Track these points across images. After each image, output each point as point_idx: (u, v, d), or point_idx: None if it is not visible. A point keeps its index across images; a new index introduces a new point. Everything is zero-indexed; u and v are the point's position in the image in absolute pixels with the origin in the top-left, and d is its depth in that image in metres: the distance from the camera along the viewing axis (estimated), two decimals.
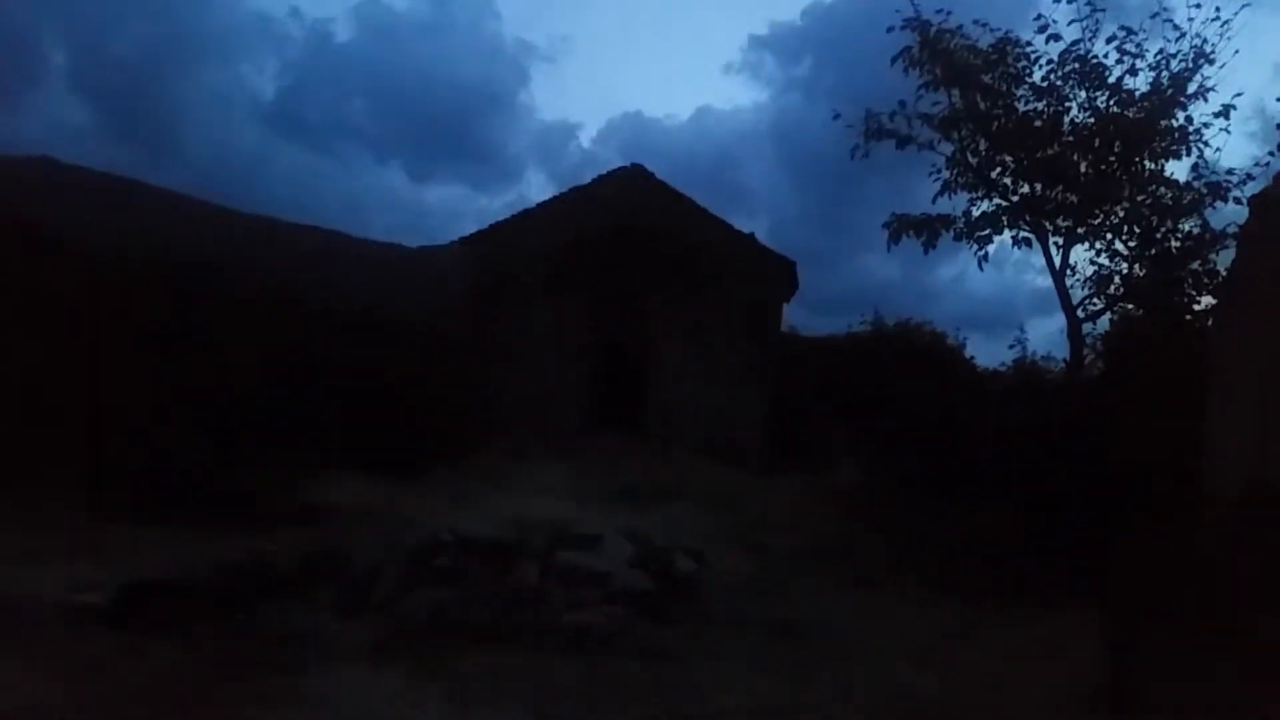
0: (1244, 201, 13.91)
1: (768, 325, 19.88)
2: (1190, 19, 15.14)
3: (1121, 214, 16.06)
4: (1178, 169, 16.07)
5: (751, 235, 20.38)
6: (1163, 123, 15.50)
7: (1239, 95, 15.17)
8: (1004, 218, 16.42)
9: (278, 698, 6.47)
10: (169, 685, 6.60)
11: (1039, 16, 15.77)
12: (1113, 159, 15.74)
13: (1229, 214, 15.24)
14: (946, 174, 16.43)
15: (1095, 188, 15.78)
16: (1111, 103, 15.68)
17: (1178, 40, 15.22)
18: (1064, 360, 16.41)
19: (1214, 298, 14.13)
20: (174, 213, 17.86)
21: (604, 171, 20.81)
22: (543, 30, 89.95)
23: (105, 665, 6.84)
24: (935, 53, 15.78)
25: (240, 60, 66.98)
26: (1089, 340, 16.27)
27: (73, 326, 13.20)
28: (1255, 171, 14.91)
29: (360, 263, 19.70)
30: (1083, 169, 15.92)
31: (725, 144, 63.59)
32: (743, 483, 15.56)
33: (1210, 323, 12.78)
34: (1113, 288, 16.35)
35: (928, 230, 16.23)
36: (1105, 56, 15.60)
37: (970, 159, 16.39)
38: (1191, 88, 15.30)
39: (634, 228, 19.23)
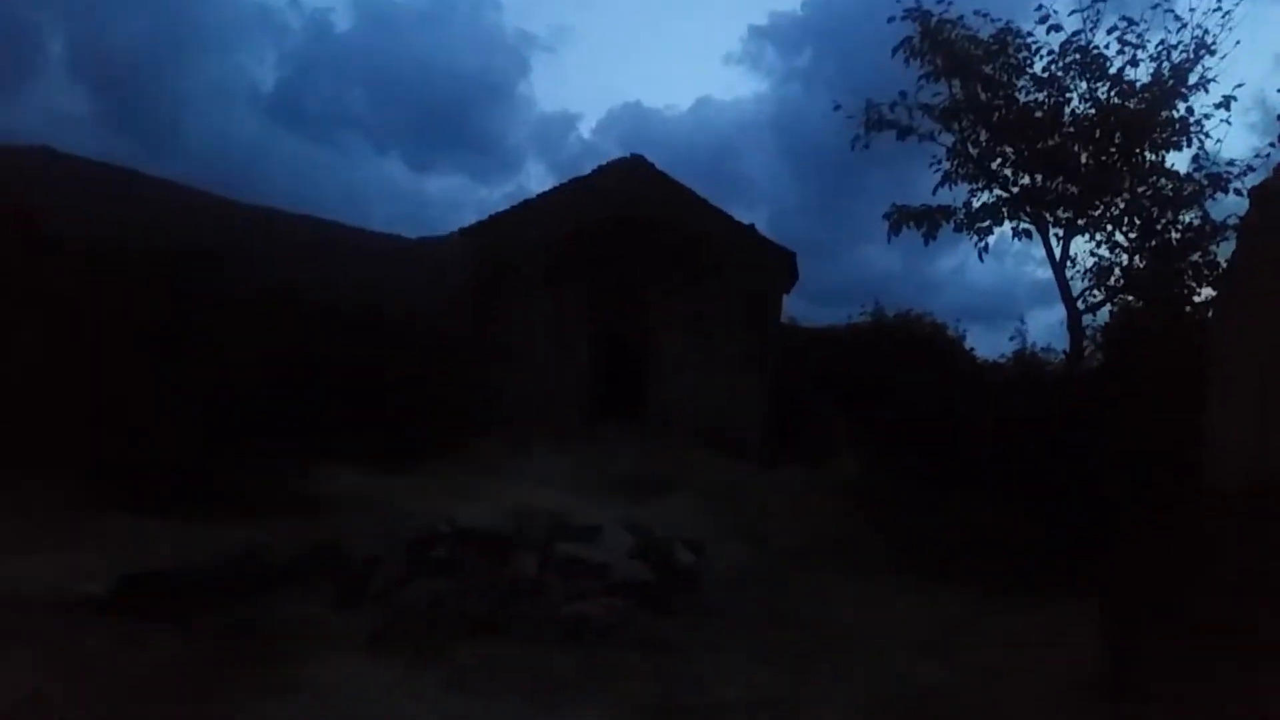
0: (1244, 193, 13.88)
1: (768, 316, 19.86)
2: (1191, 9, 15.17)
3: (1122, 205, 16.06)
4: (1178, 160, 16.10)
5: (751, 226, 20.36)
6: (1163, 114, 15.50)
7: (1240, 86, 15.19)
8: (1004, 209, 16.42)
9: (276, 688, 6.47)
10: (168, 675, 6.60)
11: (1040, 7, 15.78)
12: (1113, 150, 15.74)
13: (1229, 205, 15.28)
14: (947, 165, 16.43)
15: (1096, 179, 15.78)
16: (1112, 93, 15.67)
17: (1179, 31, 15.23)
18: (1064, 352, 16.43)
19: (1214, 289, 14.12)
20: (172, 203, 17.84)
21: (604, 162, 20.78)
22: (542, 20, 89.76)
23: (104, 655, 6.84)
24: (936, 43, 15.76)
25: (239, 50, 66.82)
26: (1089, 332, 16.29)
27: (71, 317, 13.19)
28: (1256, 163, 14.93)
29: (359, 254, 19.68)
30: (1083, 160, 15.92)
31: (725, 135, 63.53)
32: (742, 474, 15.54)
33: (1210, 314, 12.76)
34: (1113, 279, 16.36)
35: (928, 221, 16.23)
36: (1106, 47, 15.62)
37: (971, 150, 16.39)
38: (1192, 79, 15.31)
39: (634, 218, 19.21)
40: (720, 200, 20.74)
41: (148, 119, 53.42)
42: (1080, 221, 16.19)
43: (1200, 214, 15.69)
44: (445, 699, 6.60)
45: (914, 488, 12.79)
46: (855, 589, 10.29)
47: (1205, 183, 15.55)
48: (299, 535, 10.24)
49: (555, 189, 20.67)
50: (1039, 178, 16.21)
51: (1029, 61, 16.00)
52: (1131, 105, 15.49)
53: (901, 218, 16.21)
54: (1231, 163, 15.49)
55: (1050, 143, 15.92)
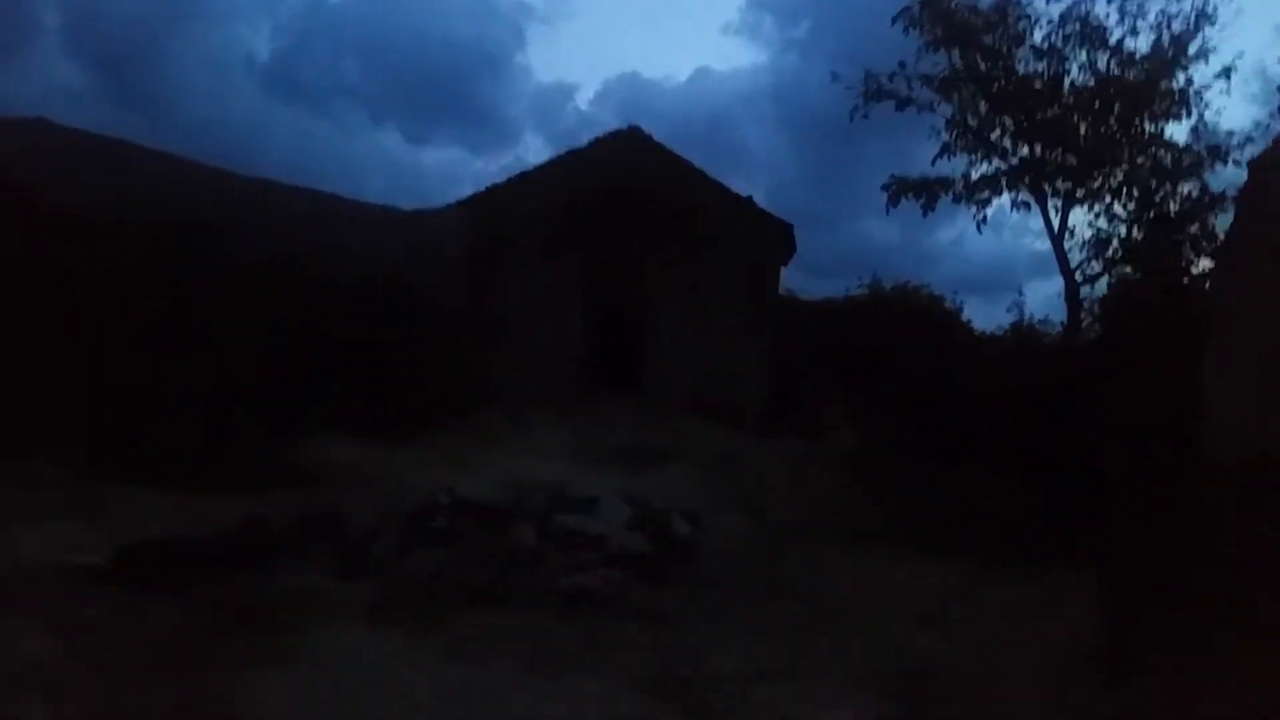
0: (1243, 164, 13.88)
1: (765, 288, 19.82)
2: None
3: (1121, 176, 16.06)
4: (1177, 131, 16.07)
5: (749, 198, 20.28)
6: (1163, 84, 15.47)
7: (1240, 57, 15.16)
8: (1003, 180, 16.43)
9: (276, 658, 6.50)
10: (167, 645, 6.63)
11: None
12: (1113, 121, 15.72)
13: (1228, 176, 15.27)
14: (946, 136, 16.44)
15: (1095, 150, 15.77)
16: (1112, 64, 15.64)
17: (1179, 0, 15.15)
18: (1061, 324, 16.44)
19: (1212, 260, 14.13)
20: (168, 175, 17.72)
21: (601, 134, 20.68)
22: None
23: (104, 626, 6.87)
24: (936, 13, 15.70)
25: (234, 21, 66.26)
26: (1087, 304, 16.29)
27: (67, 289, 13.15)
28: (1255, 134, 14.91)
29: (356, 226, 19.58)
30: (1082, 131, 15.90)
31: (723, 105, 63.07)
32: (740, 446, 15.55)
33: (1209, 286, 12.75)
34: (1111, 250, 16.38)
35: (927, 192, 16.24)
36: (1106, 17, 15.57)
37: (970, 121, 16.37)
38: (1192, 49, 15.29)
39: (631, 190, 19.13)
40: (718, 171, 20.70)
41: (144, 91, 53.10)
42: (1079, 193, 16.19)
43: (1199, 185, 15.71)
44: (444, 669, 6.64)
45: (912, 459, 12.81)
46: (853, 560, 10.31)
47: (1204, 154, 15.55)
48: (298, 506, 10.24)
49: (552, 160, 20.58)
50: (1038, 148, 16.19)
51: (1029, 31, 15.98)
52: (1131, 76, 15.46)
53: (900, 189, 16.22)
54: (1230, 134, 15.52)
55: (1049, 113, 15.90)
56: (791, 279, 21.20)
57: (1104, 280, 16.41)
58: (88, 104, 50.15)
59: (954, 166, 16.46)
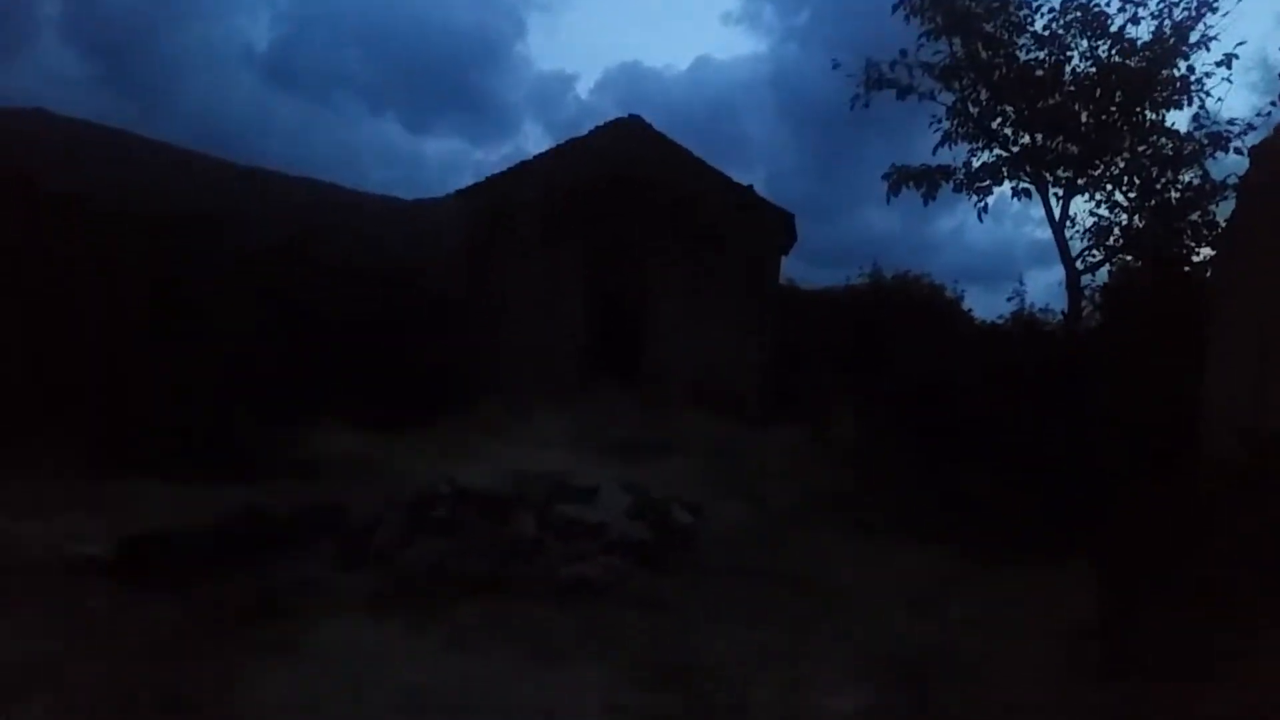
0: (1245, 152, 13.84)
1: (766, 277, 19.81)
2: None
3: (1122, 164, 16.02)
4: (1179, 119, 16.03)
5: (750, 187, 20.26)
6: (1164, 72, 15.41)
7: (1241, 44, 15.10)
8: (1004, 168, 16.38)
9: (277, 648, 6.52)
10: (169, 637, 6.65)
11: None
12: (1114, 109, 15.67)
13: (1230, 164, 15.24)
14: (947, 124, 16.38)
15: (1096, 138, 15.72)
16: (1113, 52, 15.58)
17: None
18: (1062, 312, 16.42)
19: (1214, 249, 14.11)
20: (168, 165, 17.74)
21: (601, 123, 20.64)
22: None
23: (105, 617, 6.89)
24: (936, 1, 15.63)
25: (234, 10, 66.27)
26: (1088, 292, 16.27)
27: (67, 279, 13.15)
28: (1256, 122, 14.89)
29: (355, 215, 19.60)
30: (1084, 119, 15.85)
31: (724, 94, 63.21)
32: (740, 435, 15.58)
33: (1210, 274, 12.75)
34: (1112, 239, 16.35)
35: (928, 181, 16.20)
36: (1107, 4, 15.51)
37: (971, 109, 16.31)
38: (1194, 36, 15.22)
39: (631, 179, 19.12)
40: (718, 161, 20.69)
41: (143, 80, 53.22)
42: (1080, 181, 16.15)
43: (1200, 173, 15.66)
44: (446, 658, 6.65)
45: (912, 449, 12.83)
46: (853, 549, 10.33)
47: (1205, 142, 15.50)
48: (299, 496, 10.26)
49: (552, 150, 20.55)
50: (1039, 137, 16.16)
51: (1030, 19, 15.91)
52: (1132, 63, 15.41)
53: (901, 178, 16.18)
54: (1232, 122, 15.46)
55: (1051, 101, 15.85)
56: (792, 268, 21.21)
57: (1105, 268, 16.41)
58: (87, 93, 50.31)
59: (955, 155, 16.44)
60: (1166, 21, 15.22)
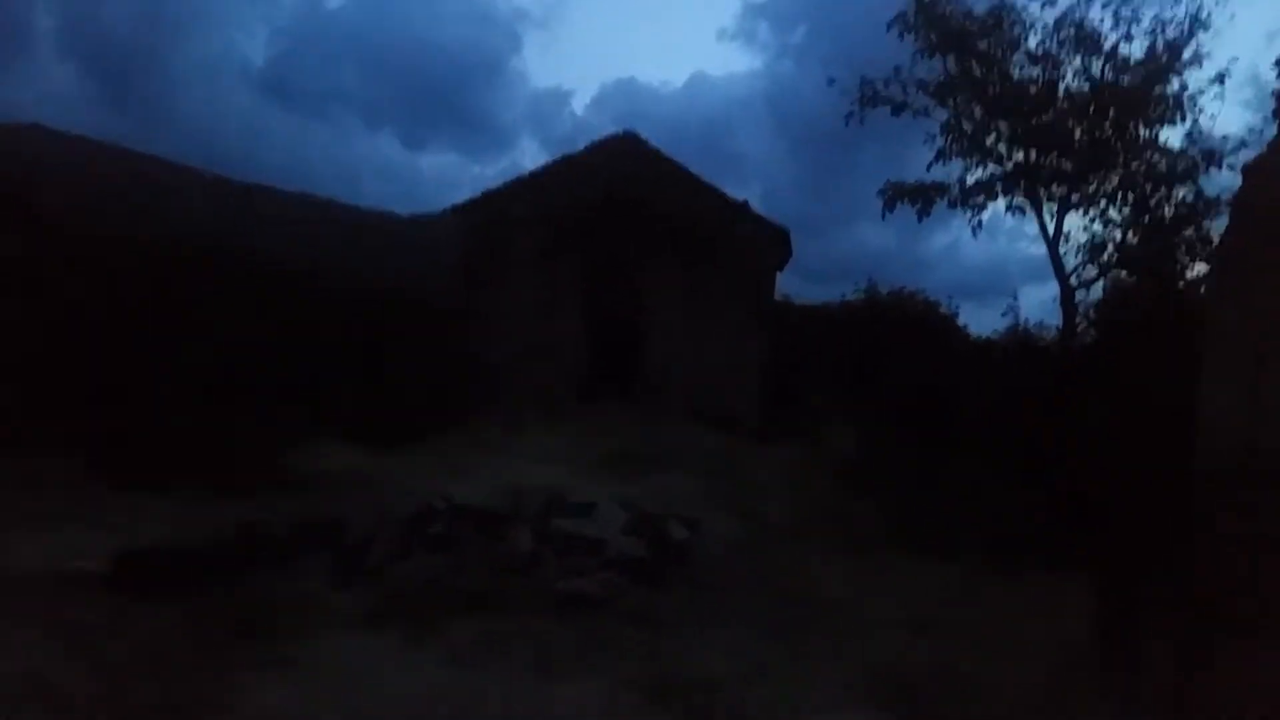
0: (1237, 169, 13.90)
1: (761, 293, 19.83)
2: None
3: (1115, 181, 16.09)
4: (1172, 136, 16.10)
5: (745, 203, 20.29)
6: (1157, 89, 15.51)
7: (1234, 61, 15.22)
8: (998, 185, 16.44)
9: (273, 664, 6.51)
10: (165, 652, 6.63)
11: None
12: (1107, 126, 15.75)
13: (1223, 181, 15.31)
14: (941, 141, 16.45)
15: (1090, 155, 15.79)
16: (1107, 69, 15.68)
17: (1173, 6, 15.22)
18: (1057, 328, 16.47)
19: (1207, 265, 14.16)
20: (165, 180, 17.74)
21: (597, 139, 20.68)
22: None
23: (101, 632, 6.86)
24: (931, 18, 15.73)
25: (231, 26, 66.33)
26: (1082, 308, 16.32)
27: (64, 295, 13.15)
28: (1249, 138, 14.96)
29: (352, 231, 19.60)
30: (1077, 136, 15.93)
31: (719, 111, 63.18)
32: (737, 450, 15.56)
33: (1203, 290, 12.79)
34: (1106, 255, 16.41)
35: (922, 198, 16.27)
36: (1101, 23, 15.60)
37: (965, 126, 16.39)
38: (1186, 54, 15.32)
39: (627, 195, 19.14)
40: (714, 177, 20.66)
41: (140, 96, 53.14)
42: (1074, 197, 16.22)
43: (1193, 189, 15.74)
44: (442, 674, 6.64)
45: (908, 464, 12.84)
46: (850, 564, 10.33)
47: (1199, 158, 15.59)
48: (295, 512, 10.23)
49: (548, 166, 20.56)
50: (1033, 153, 16.22)
51: (1024, 37, 16.01)
52: (1125, 81, 15.50)
53: (896, 194, 16.25)
54: (1225, 139, 15.55)
55: (1044, 119, 15.93)
56: (788, 284, 21.22)
57: (1099, 285, 16.47)
58: (83, 109, 50.23)
59: (949, 172, 16.51)
60: (1159, 39, 15.35)
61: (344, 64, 63.67)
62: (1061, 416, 12.01)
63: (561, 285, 19.33)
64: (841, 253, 44.23)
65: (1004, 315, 17.10)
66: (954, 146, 16.39)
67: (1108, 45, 15.56)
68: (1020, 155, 16.30)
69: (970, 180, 16.53)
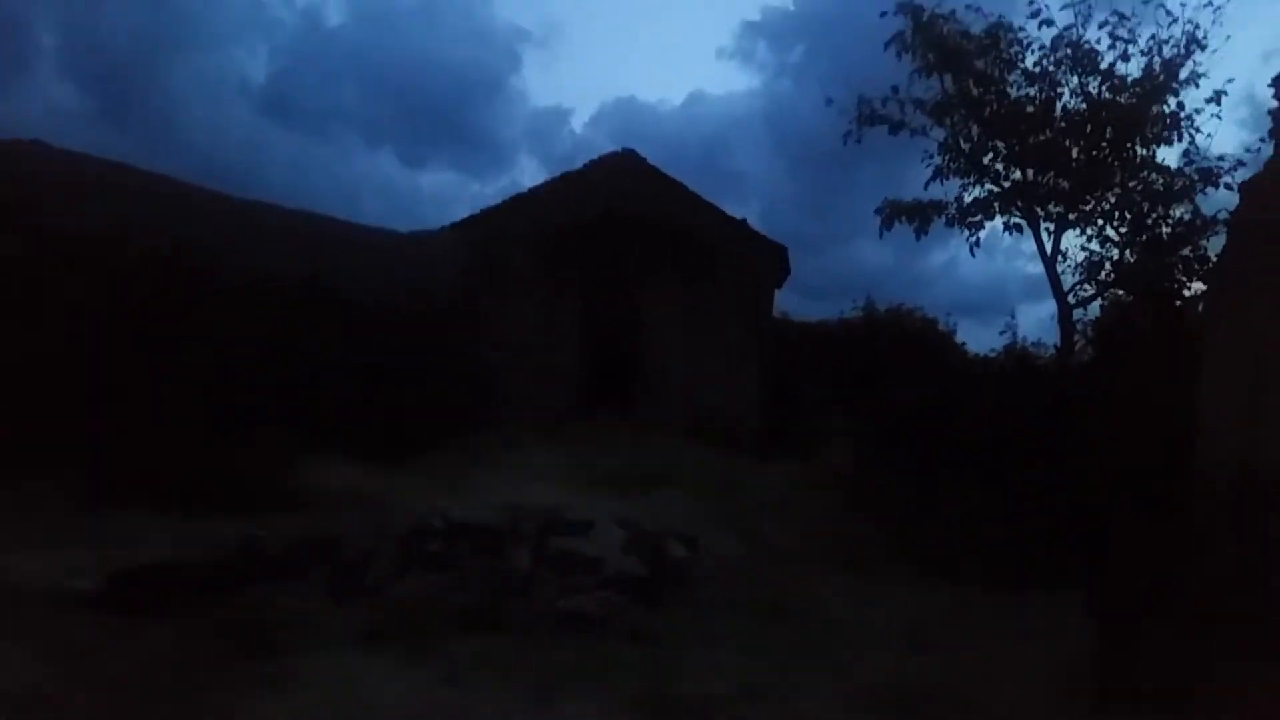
0: (1235, 188, 13.93)
1: (760, 310, 19.87)
2: (1183, 4, 15.14)
3: (1113, 200, 16.08)
4: (1169, 155, 16.10)
5: (744, 220, 20.35)
6: (1154, 108, 15.51)
7: (1231, 81, 15.24)
8: (996, 204, 16.43)
9: (271, 682, 6.50)
10: (162, 670, 6.62)
11: (1032, 2, 15.75)
12: (1104, 145, 15.76)
13: (1220, 200, 15.28)
14: (939, 160, 16.42)
15: (1087, 174, 15.80)
16: (1103, 88, 15.69)
17: (1170, 25, 15.24)
18: (1054, 346, 16.45)
19: (1205, 283, 14.16)
20: (166, 198, 17.77)
21: (596, 157, 20.74)
22: (534, 14, 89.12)
23: (98, 649, 6.85)
24: (928, 38, 15.75)
25: (231, 45, 66.57)
26: (1080, 326, 16.31)
27: (64, 311, 13.17)
28: (1246, 158, 14.96)
29: (352, 248, 19.63)
30: (1074, 155, 15.93)
31: (718, 129, 63.40)
32: (735, 468, 15.55)
33: (1201, 308, 12.80)
34: (1104, 273, 16.37)
35: (920, 216, 16.24)
36: (1098, 42, 15.62)
37: (962, 145, 16.39)
38: (1183, 74, 15.32)
39: (626, 213, 19.18)
40: (712, 195, 20.78)
41: (141, 113, 53.30)
42: (1071, 216, 16.22)
43: (1191, 209, 15.71)
44: (439, 693, 6.63)
45: (906, 482, 12.83)
46: (848, 583, 10.32)
47: (1196, 177, 15.58)
48: (293, 529, 10.23)
49: (547, 183, 20.62)
50: (1030, 172, 16.22)
51: (1020, 56, 16.01)
52: (1122, 100, 15.51)
53: (893, 212, 16.22)
54: (1222, 158, 15.53)
55: (1041, 138, 15.94)
56: (786, 301, 21.30)
57: (1097, 303, 16.45)
58: (85, 126, 50.36)
59: (947, 190, 16.49)
60: (1156, 59, 15.35)
61: (344, 82, 63.91)
62: (1060, 434, 12.01)
63: (560, 302, 19.37)
64: (840, 270, 44.36)
65: (1002, 333, 17.13)
66: (951, 165, 16.39)
67: (1105, 65, 15.57)
68: (1018, 174, 16.31)
69: (968, 199, 16.52)
